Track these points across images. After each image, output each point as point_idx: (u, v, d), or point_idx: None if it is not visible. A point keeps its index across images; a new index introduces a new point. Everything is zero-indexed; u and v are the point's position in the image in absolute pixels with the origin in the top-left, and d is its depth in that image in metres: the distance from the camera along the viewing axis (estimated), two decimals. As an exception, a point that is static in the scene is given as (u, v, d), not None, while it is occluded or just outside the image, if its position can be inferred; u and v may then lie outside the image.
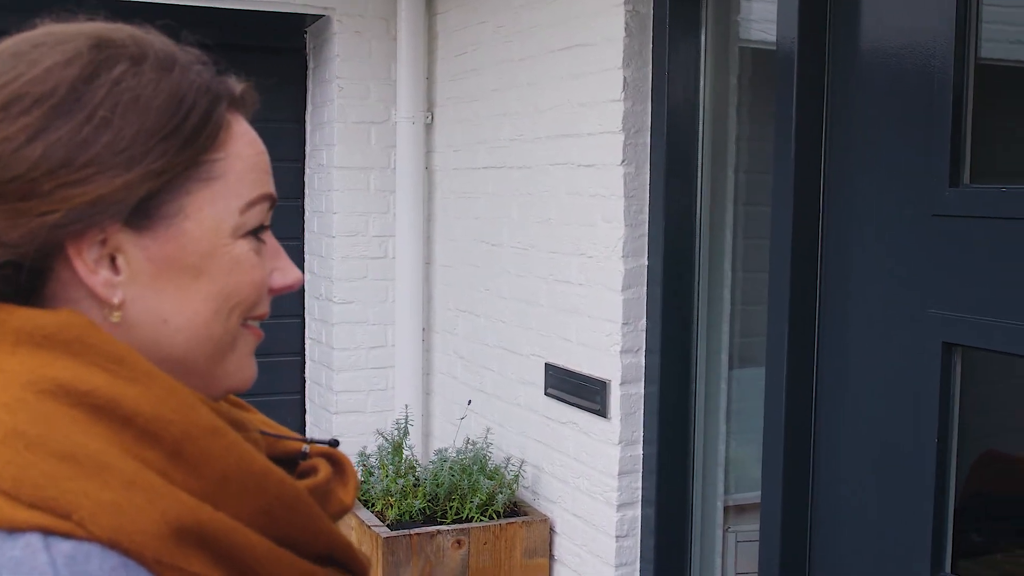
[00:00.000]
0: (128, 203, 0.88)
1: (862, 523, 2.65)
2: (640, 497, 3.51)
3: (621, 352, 3.45)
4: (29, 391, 0.83)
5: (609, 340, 3.49)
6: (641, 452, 3.49)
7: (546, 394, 3.90)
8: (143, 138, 0.88)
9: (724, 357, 3.48)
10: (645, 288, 3.44)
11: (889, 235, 2.54)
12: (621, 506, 3.50)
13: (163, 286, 0.91)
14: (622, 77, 3.35)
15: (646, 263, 3.43)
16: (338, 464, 1.07)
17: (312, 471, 1.03)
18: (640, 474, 3.50)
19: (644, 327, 3.45)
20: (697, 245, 3.40)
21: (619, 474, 3.49)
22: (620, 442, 3.48)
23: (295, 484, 0.91)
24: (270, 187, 0.97)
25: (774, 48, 2.81)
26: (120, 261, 0.90)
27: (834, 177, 2.72)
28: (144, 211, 0.89)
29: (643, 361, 3.47)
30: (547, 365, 3.88)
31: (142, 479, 0.81)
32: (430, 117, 4.76)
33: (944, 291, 2.38)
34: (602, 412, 3.53)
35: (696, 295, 3.42)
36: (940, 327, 2.37)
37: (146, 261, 0.90)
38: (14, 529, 0.78)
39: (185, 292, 0.92)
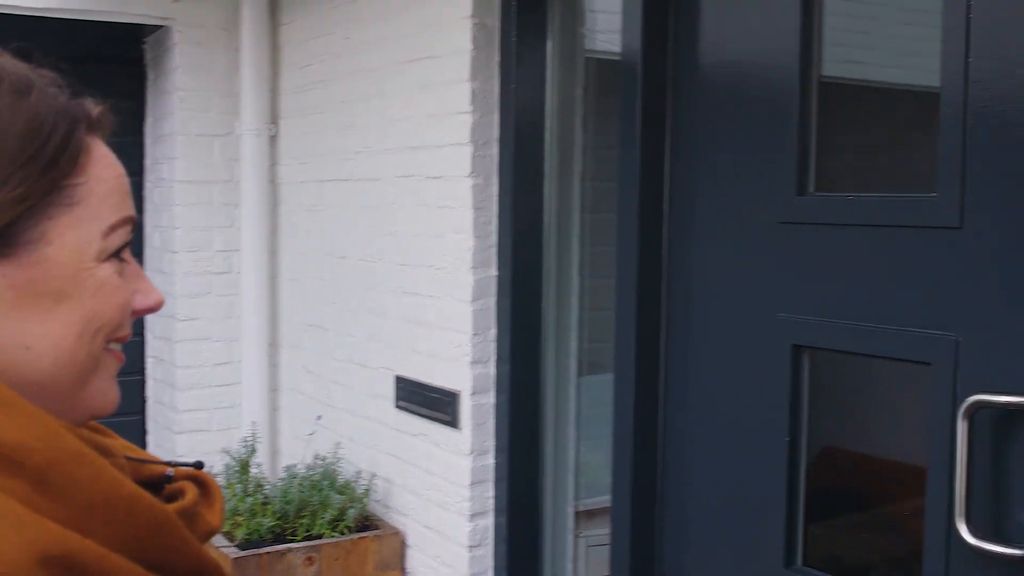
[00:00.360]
0: None
1: (714, 523, 2.72)
2: (492, 506, 3.53)
3: (471, 363, 3.47)
4: None
5: (459, 351, 3.50)
6: (493, 461, 3.51)
7: (396, 407, 3.89)
8: (2, 165, 0.85)
9: (573, 364, 3.53)
10: (494, 299, 3.46)
11: (738, 243, 2.62)
12: (473, 516, 3.52)
13: (25, 312, 0.88)
14: (470, 89, 3.37)
15: (495, 274, 3.45)
16: (204, 486, 1.05)
17: (179, 494, 1.02)
18: (492, 483, 3.52)
19: (494, 337, 3.48)
20: (545, 255, 3.44)
21: (471, 484, 3.50)
22: (472, 452, 3.49)
23: (164, 508, 0.90)
24: (131, 209, 0.96)
25: (618, 59, 2.87)
26: None
27: (678, 186, 2.79)
28: (4, 238, 0.87)
29: (493, 371, 3.49)
30: (397, 378, 3.88)
31: (6, 509, 0.78)
32: (275, 129, 4.70)
33: (793, 295, 2.46)
34: (453, 423, 3.54)
35: (545, 304, 3.46)
36: (789, 330, 2.45)
37: (7, 288, 0.87)
38: None
39: (48, 317, 0.89)
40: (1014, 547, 1.93)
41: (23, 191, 0.86)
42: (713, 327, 2.69)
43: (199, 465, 1.07)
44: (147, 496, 0.88)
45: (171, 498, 1.01)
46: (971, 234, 2.04)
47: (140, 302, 0.96)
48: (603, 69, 3.47)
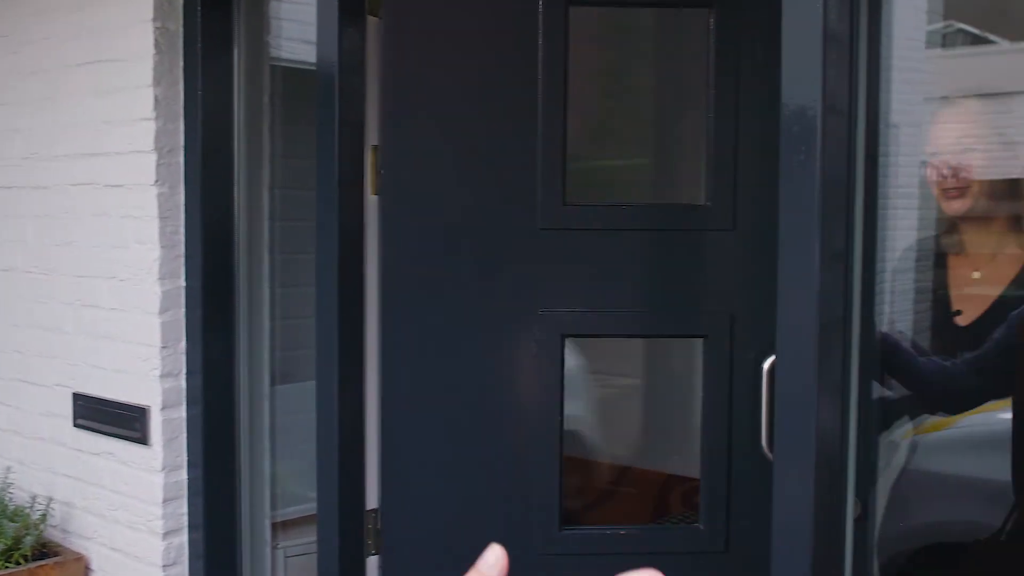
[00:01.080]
0: None
1: (468, 509, 2.73)
2: (187, 523, 3.43)
3: (161, 376, 3.36)
4: None
5: (147, 365, 3.38)
6: (186, 477, 3.41)
7: (75, 425, 3.70)
8: None
9: (266, 374, 3.50)
10: (183, 310, 3.37)
11: (495, 249, 2.70)
12: (167, 534, 3.41)
13: None
14: (153, 95, 3.26)
15: (183, 284, 3.36)
16: None
17: None
18: (186, 499, 3.42)
19: (184, 349, 3.38)
20: (236, 263, 3.39)
21: (164, 501, 3.39)
22: (163, 468, 3.38)
23: None
24: None
25: (305, 68, 2.87)
26: None
27: (389, 195, 2.80)
28: None
29: (184, 384, 3.39)
30: (76, 395, 3.68)
31: None
32: (-80, 133, 4.34)
33: (556, 292, 2.64)
34: (142, 439, 3.41)
35: (237, 314, 3.40)
36: (556, 323, 2.62)
37: None
38: None
39: None
40: None
41: None
42: (473, 326, 2.72)
43: None
44: None
45: None
46: (742, 233, 2.50)
47: None
48: (290, 76, 3.46)
